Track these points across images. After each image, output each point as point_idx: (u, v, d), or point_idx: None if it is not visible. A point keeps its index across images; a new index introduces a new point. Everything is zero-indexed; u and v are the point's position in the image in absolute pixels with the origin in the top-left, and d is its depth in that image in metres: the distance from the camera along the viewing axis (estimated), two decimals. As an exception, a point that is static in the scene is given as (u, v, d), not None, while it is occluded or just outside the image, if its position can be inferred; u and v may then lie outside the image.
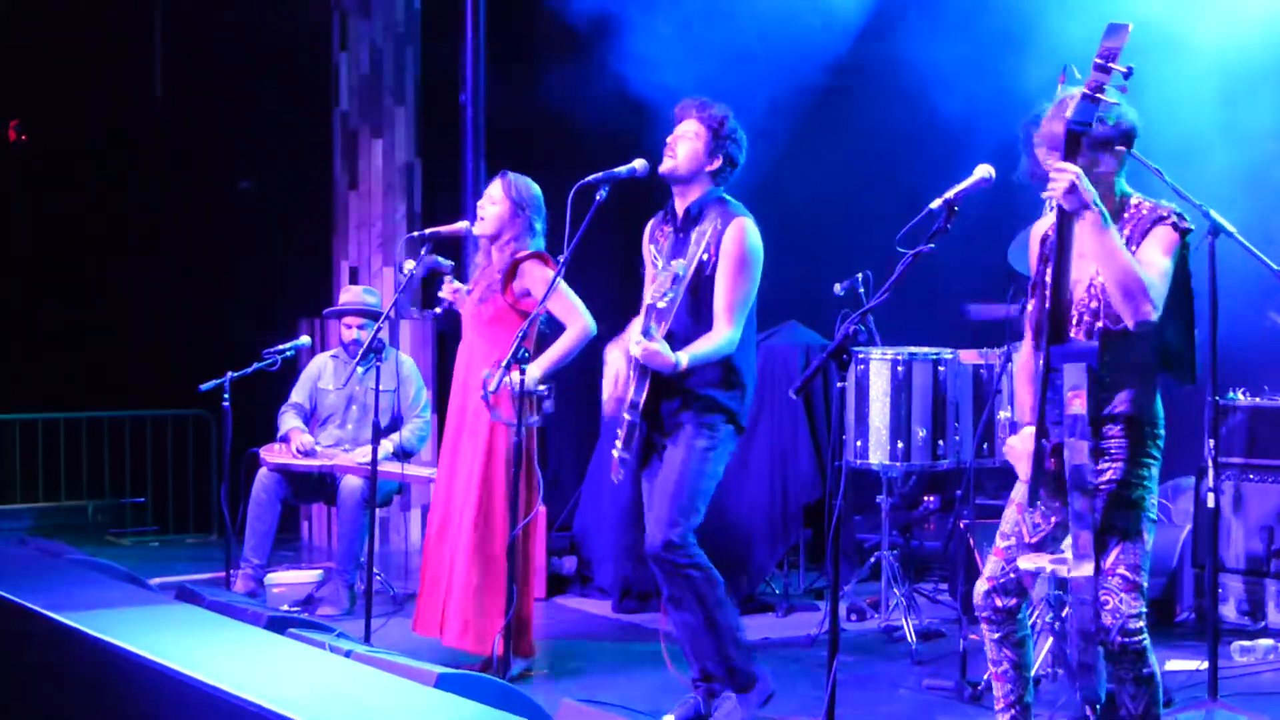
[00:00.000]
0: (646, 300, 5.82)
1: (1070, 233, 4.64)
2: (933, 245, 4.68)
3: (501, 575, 6.50)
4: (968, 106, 8.02)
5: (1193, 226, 4.76)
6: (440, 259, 7.19)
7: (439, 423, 10.91)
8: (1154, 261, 4.63)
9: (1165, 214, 4.70)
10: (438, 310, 7.26)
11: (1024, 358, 5.03)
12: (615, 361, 6.07)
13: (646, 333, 5.70)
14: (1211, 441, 6.16)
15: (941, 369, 7.56)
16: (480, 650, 6.75)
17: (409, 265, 7.09)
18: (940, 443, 7.54)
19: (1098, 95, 4.53)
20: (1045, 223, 4.92)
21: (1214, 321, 5.91)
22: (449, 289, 7.11)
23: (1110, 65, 4.51)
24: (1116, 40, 4.51)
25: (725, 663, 5.97)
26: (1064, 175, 4.53)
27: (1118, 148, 4.72)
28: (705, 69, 8.46)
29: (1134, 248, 4.65)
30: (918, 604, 7.80)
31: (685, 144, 5.95)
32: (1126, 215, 4.73)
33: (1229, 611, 7.71)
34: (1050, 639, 6.42)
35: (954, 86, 8.23)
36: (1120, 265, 4.54)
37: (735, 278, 5.87)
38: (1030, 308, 4.97)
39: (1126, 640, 4.63)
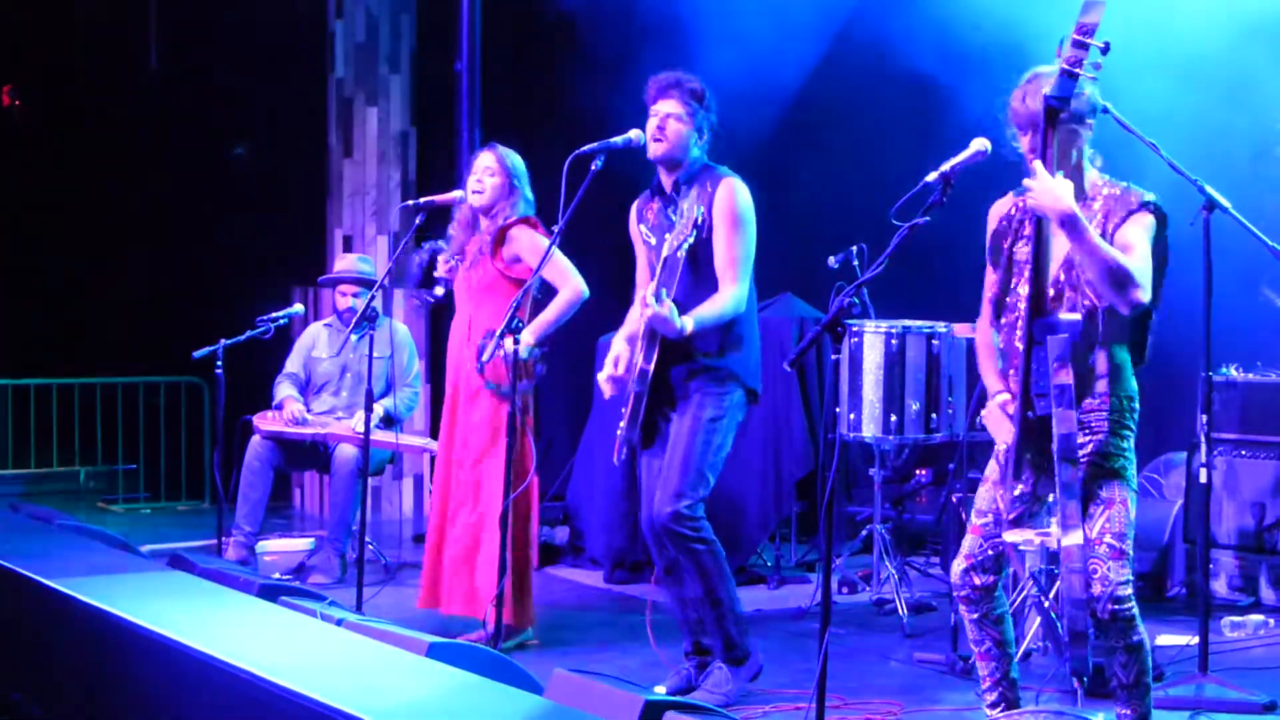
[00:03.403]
0: (663, 252, 5.78)
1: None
2: (928, 218, 4.68)
3: (518, 543, 6.67)
4: (964, 80, 8.00)
5: (1167, 213, 4.78)
6: (439, 242, 7.23)
7: (432, 393, 10.97)
8: (1135, 245, 4.67)
9: (1146, 200, 4.73)
10: (439, 291, 7.28)
11: (983, 333, 5.09)
12: (617, 346, 6.10)
13: (658, 295, 5.69)
14: (1204, 417, 6.17)
15: (935, 342, 7.56)
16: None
17: (420, 257, 7.17)
18: (933, 416, 7.53)
19: (1076, 71, 4.55)
20: (1005, 203, 4.97)
21: (1208, 297, 5.91)
22: (444, 266, 7.14)
23: (1088, 41, 4.52)
24: (1093, 16, 4.52)
25: (723, 636, 6.00)
26: (1039, 188, 4.59)
27: (1088, 121, 4.76)
28: (701, 42, 8.44)
29: (1110, 227, 4.68)
30: (909, 577, 7.81)
31: (674, 125, 5.95)
32: (1094, 193, 4.75)
33: (1220, 587, 7.73)
34: (1039, 616, 6.42)
35: (951, 60, 8.21)
36: (1104, 260, 4.58)
37: (732, 235, 5.89)
38: (989, 283, 5.00)
39: (1116, 608, 4.65)
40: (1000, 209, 4.97)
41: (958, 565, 4.96)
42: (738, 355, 5.96)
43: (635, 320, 6.09)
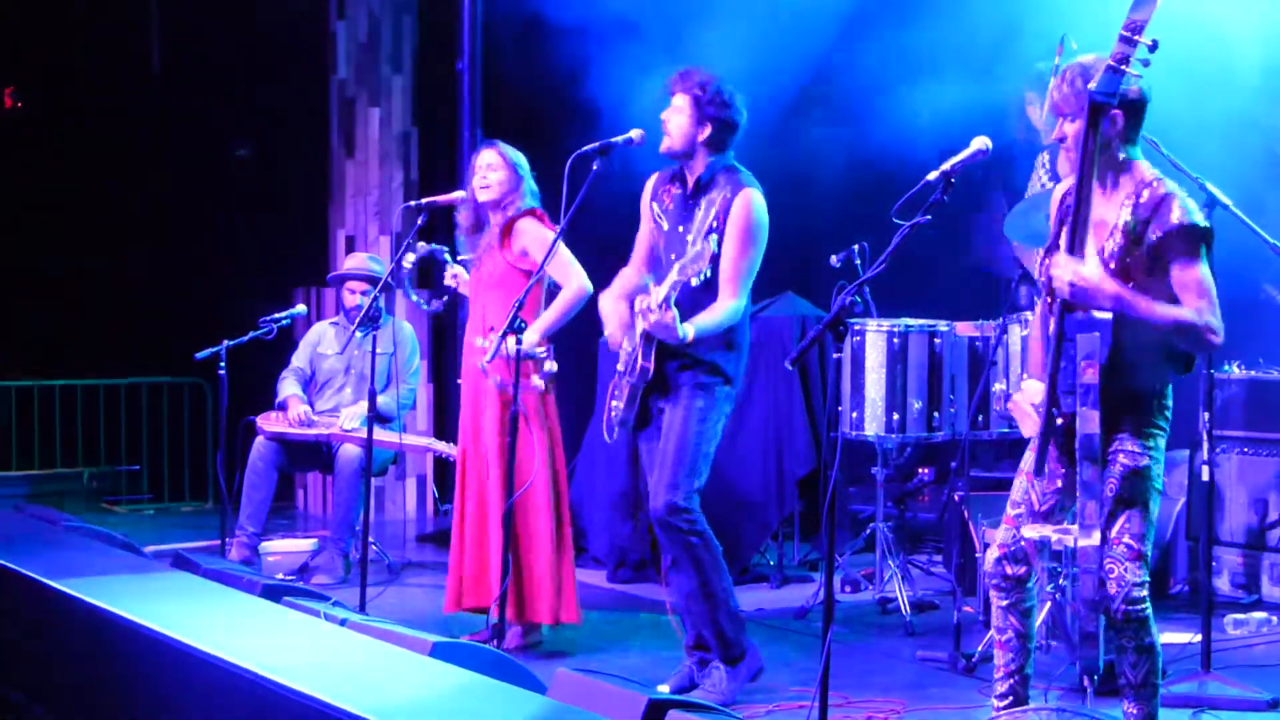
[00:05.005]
0: (673, 274, 5.78)
1: (1087, 201, 4.62)
2: (929, 217, 4.67)
3: (535, 542, 6.72)
4: (965, 79, 8.01)
5: (1209, 225, 4.70)
6: (436, 246, 7.23)
7: (436, 393, 10.98)
8: (1191, 280, 4.58)
9: (1185, 224, 4.59)
10: (445, 298, 7.26)
11: (1040, 316, 5.01)
12: (608, 307, 6.13)
13: (667, 300, 5.71)
14: (1206, 414, 6.17)
15: (937, 341, 7.56)
16: (543, 619, 6.84)
17: (409, 259, 7.16)
18: (935, 415, 7.53)
19: (1122, 67, 4.51)
20: (1065, 185, 4.89)
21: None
22: (450, 275, 7.14)
23: (1136, 38, 4.49)
24: (1143, 12, 4.48)
25: (716, 631, 6.00)
26: (1068, 278, 4.57)
27: (1114, 113, 4.70)
28: (705, 40, 8.43)
29: (1152, 236, 4.62)
30: (912, 576, 7.81)
31: (675, 119, 5.98)
32: (1139, 189, 4.69)
33: (1223, 584, 7.73)
34: (1046, 606, 6.43)
35: (952, 61, 8.22)
36: (1167, 323, 4.55)
37: (741, 249, 5.90)
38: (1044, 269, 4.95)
39: (1129, 609, 4.64)
40: (1060, 191, 4.90)
41: (991, 554, 4.97)
42: (728, 356, 6.00)
43: (629, 281, 6.16)
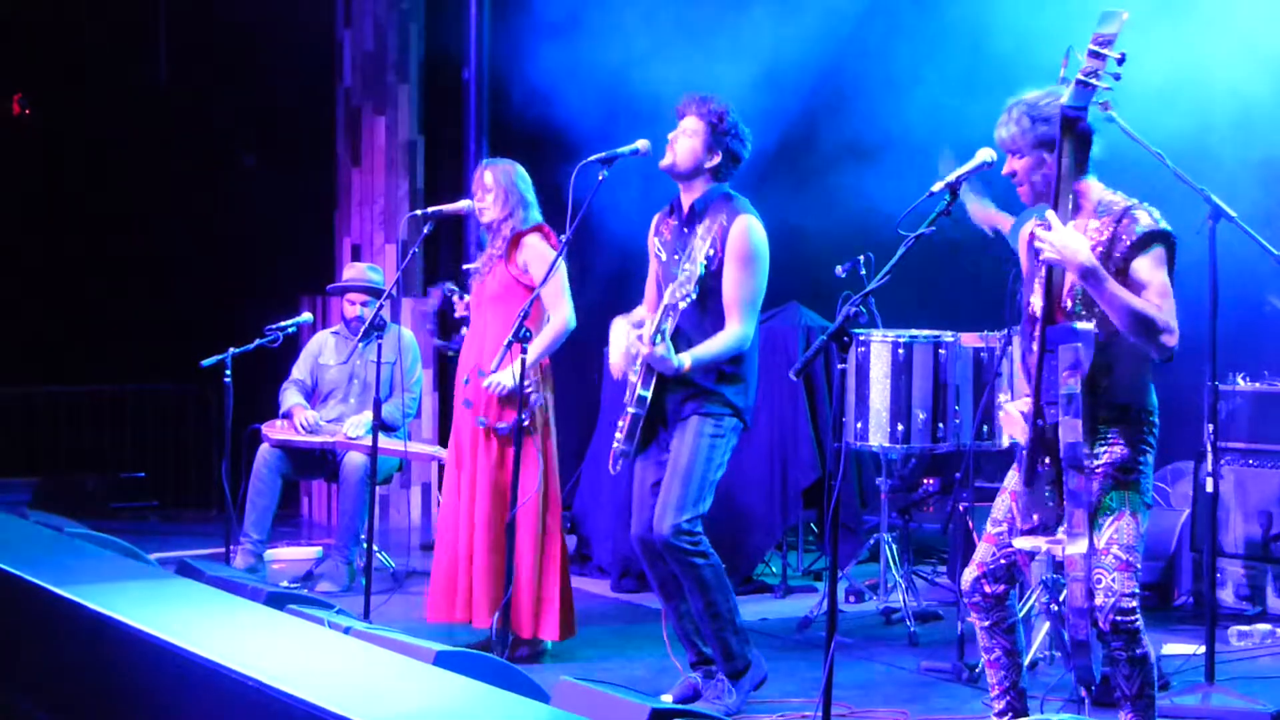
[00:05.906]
0: (664, 299, 5.79)
1: (1066, 221, 4.67)
2: (934, 228, 4.69)
3: (518, 557, 6.67)
4: (969, 89, 8.01)
5: (1171, 229, 4.76)
6: (448, 285, 7.24)
7: (440, 402, 10.98)
8: (1155, 281, 4.66)
9: (1157, 230, 4.69)
10: (463, 332, 7.27)
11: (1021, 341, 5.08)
12: (618, 333, 6.11)
13: (661, 331, 5.71)
14: (1210, 426, 6.17)
15: (942, 352, 7.56)
16: (545, 635, 6.86)
17: (430, 304, 7.15)
18: (940, 425, 7.54)
19: (1092, 80, 4.55)
20: (1033, 225, 4.94)
21: (1214, 306, 5.91)
22: (463, 308, 7.16)
23: (1104, 51, 4.54)
24: (1111, 27, 4.53)
25: (723, 648, 6.00)
26: (1055, 241, 4.60)
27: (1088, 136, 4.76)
28: (711, 49, 8.44)
29: (1119, 251, 4.66)
30: (916, 586, 7.81)
31: (684, 140, 5.98)
32: (1099, 209, 4.73)
33: (1227, 596, 7.72)
34: (1048, 622, 6.44)
35: (956, 70, 8.22)
36: (1128, 309, 4.58)
37: (742, 275, 5.90)
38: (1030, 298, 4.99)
39: (1119, 620, 4.65)
40: (1030, 227, 4.95)
41: (969, 573, 4.97)
42: (734, 389, 5.98)
43: (641, 317, 6.13)
